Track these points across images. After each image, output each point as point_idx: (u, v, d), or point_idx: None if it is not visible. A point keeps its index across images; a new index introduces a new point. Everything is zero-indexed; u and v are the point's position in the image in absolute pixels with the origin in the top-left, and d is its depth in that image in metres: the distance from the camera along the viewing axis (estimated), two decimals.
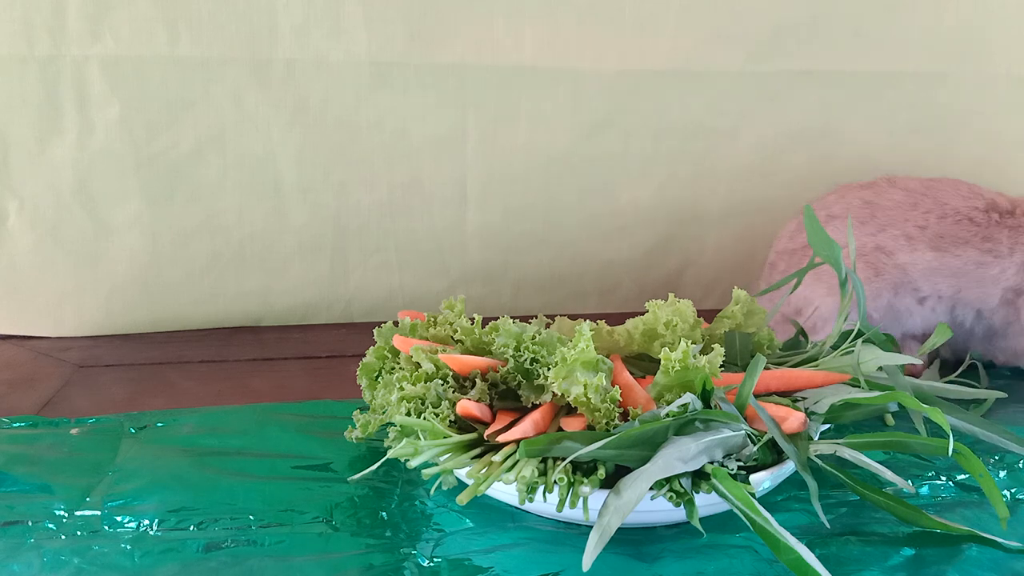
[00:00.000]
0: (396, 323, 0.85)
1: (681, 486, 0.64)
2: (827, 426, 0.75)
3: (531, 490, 0.64)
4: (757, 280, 1.14)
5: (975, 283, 0.98)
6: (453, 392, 0.74)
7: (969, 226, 0.99)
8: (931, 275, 0.98)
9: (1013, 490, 0.77)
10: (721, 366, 0.74)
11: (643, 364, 0.84)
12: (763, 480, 0.67)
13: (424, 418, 0.70)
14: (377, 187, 1.17)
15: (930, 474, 0.80)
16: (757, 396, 0.73)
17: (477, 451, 0.68)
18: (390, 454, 0.68)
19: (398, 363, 0.81)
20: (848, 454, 0.68)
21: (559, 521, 0.71)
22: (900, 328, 1.01)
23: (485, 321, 0.81)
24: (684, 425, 0.67)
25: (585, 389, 0.69)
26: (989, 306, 0.99)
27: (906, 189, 1.02)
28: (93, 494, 0.75)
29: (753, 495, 0.63)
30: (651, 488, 0.63)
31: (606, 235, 1.24)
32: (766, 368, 0.78)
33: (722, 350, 0.74)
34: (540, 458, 0.65)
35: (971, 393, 0.86)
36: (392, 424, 0.73)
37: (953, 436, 0.66)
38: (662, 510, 0.65)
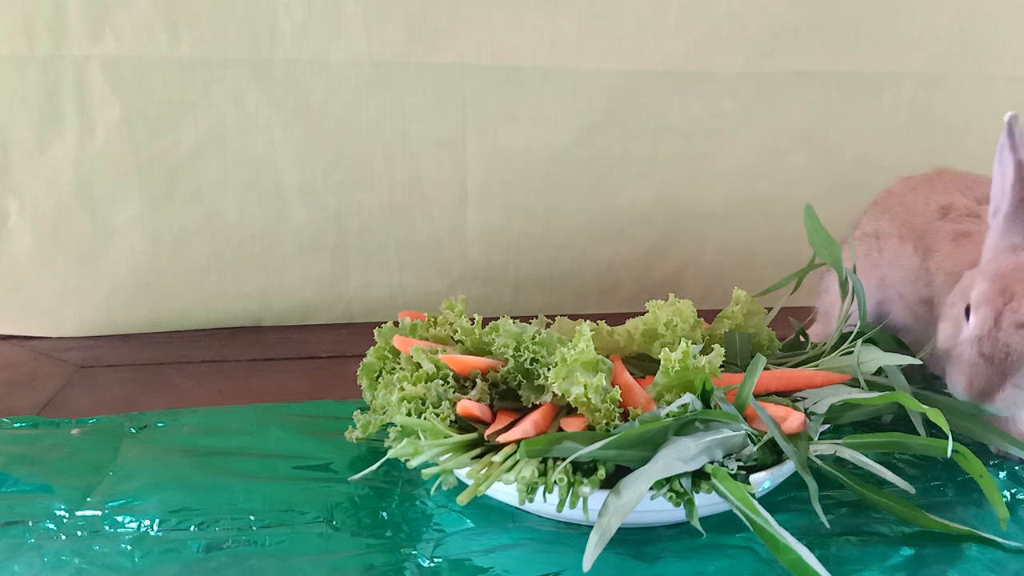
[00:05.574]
0: (396, 323, 0.85)
1: (681, 486, 0.64)
2: (827, 426, 0.75)
3: (531, 490, 0.64)
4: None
5: None
6: (453, 392, 0.74)
7: None
8: None
9: (1013, 490, 0.77)
10: (721, 366, 0.74)
11: (643, 364, 0.84)
12: (763, 480, 0.67)
13: (424, 418, 0.70)
14: (377, 187, 1.17)
15: (930, 474, 0.80)
16: (757, 396, 0.73)
17: (477, 451, 0.69)
18: (390, 454, 0.69)
19: (398, 363, 0.81)
20: (848, 454, 0.68)
21: (559, 521, 0.71)
22: None
23: (485, 321, 0.81)
24: (684, 425, 0.67)
25: (585, 389, 0.69)
26: None
27: None
28: (94, 494, 0.75)
29: (753, 495, 0.63)
30: (651, 488, 0.63)
31: (606, 235, 1.24)
32: (766, 368, 0.78)
33: (722, 350, 0.74)
34: (540, 458, 0.65)
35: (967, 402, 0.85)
36: (392, 424, 0.73)
37: (952, 437, 0.66)
38: (662, 510, 0.65)
